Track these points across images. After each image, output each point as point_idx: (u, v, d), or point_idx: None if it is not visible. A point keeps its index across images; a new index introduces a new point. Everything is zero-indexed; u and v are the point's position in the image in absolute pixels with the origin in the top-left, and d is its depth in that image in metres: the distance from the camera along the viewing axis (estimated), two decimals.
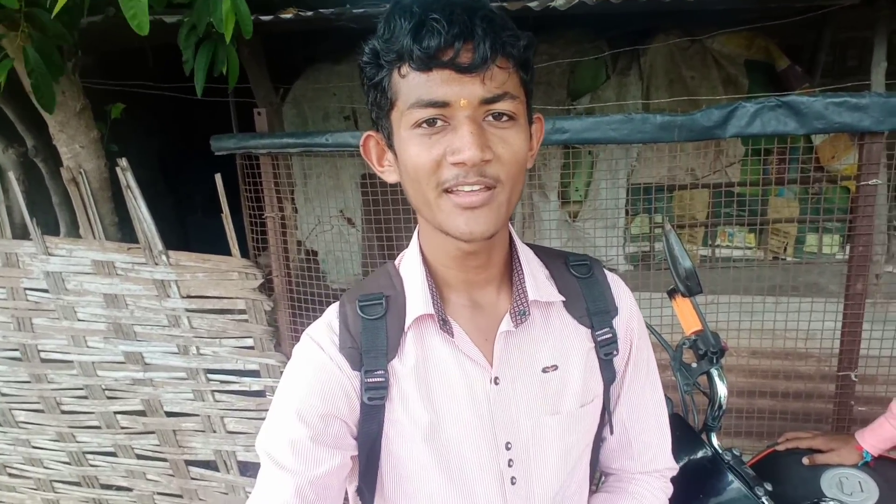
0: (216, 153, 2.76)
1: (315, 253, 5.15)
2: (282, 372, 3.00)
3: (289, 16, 2.75)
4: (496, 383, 0.88)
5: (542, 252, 0.99)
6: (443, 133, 0.76)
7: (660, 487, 1.06)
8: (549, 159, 4.76)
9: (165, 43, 3.33)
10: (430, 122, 0.76)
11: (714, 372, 1.59)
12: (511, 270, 0.94)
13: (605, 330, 0.95)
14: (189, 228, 6.20)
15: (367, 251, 5.51)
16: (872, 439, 1.52)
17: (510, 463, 0.89)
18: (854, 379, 2.08)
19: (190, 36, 2.39)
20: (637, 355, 1.01)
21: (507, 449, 0.89)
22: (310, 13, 2.74)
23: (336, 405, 0.87)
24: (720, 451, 1.55)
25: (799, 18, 3.63)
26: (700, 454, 1.57)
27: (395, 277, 0.93)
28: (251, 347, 3.00)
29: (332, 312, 0.93)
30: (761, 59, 4.54)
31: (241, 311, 2.95)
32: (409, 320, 0.88)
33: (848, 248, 1.98)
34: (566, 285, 0.95)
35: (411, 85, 0.75)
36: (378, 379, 0.85)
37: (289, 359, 2.92)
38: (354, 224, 5.62)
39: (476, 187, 0.76)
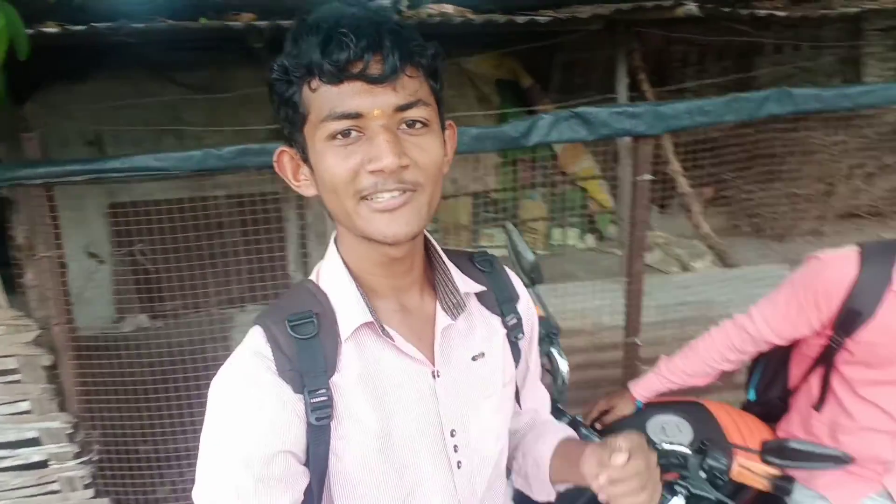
0: None
1: None
2: (69, 434, 2.62)
3: (54, 30, 2.41)
4: (437, 377, 0.92)
5: (447, 252, 1.04)
6: (358, 143, 0.78)
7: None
8: None
9: None
10: (345, 133, 0.77)
11: (554, 351, 1.79)
12: (427, 272, 0.97)
13: (513, 316, 1.03)
14: None
15: (120, 287, 5.02)
16: (643, 390, 1.84)
17: (455, 448, 0.93)
18: (639, 343, 2.45)
19: None
20: (533, 335, 1.12)
21: (452, 436, 0.93)
22: (81, 27, 2.43)
23: (281, 437, 0.82)
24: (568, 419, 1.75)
25: (539, 45, 4.15)
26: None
27: (318, 294, 0.90)
28: (28, 412, 2.57)
29: (256, 339, 0.87)
30: (509, 78, 5.08)
31: (12, 371, 2.52)
32: (347, 331, 0.86)
33: (624, 238, 2.33)
34: (476, 279, 1.02)
35: (323, 98, 0.77)
36: (322, 398, 0.83)
37: (78, 418, 2.54)
38: (103, 260, 5.08)
39: (395, 193, 0.79)
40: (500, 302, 1.02)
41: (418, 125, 0.80)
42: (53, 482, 2.69)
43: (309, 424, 0.83)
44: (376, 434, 0.87)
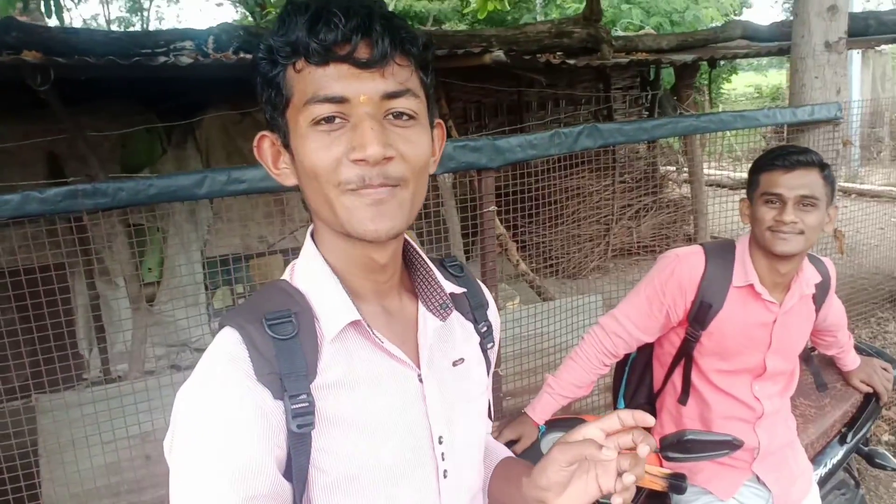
0: None
1: None
2: None
3: None
4: (421, 381, 0.87)
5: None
6: (342, 131, 0.74)
7: None
8: (113, 240, 4.28)
9: None
10: (329, 119, 0.74)
11: None
12: (404, 273, 0.93)
13: (484, 323, 1.00)
14: None
15: None
16: (541, 413, 1.85)
17: (443, 456, 0.89)
18: (501, 374, 2.48)
19: None
20: (497, 345, 1.09)
21: (440, 443, 0.88)
22: None
23: (264, 450, 0.74)
24: None
25: None
26: None
27: (294, 294, 0.84)
28: None
29: (228, 340, 0.78)
30: None
31: None
32: (333, 331, 0.80)
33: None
34: (451, 282, 0.97)
35: (307, 80, 0.74)
36: (303, 404, 0.77)
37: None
38: None
39: (380, 188, 0.75)
40: (473, 307, 0.99)
41: (405, 117, 0.76)
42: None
43: (290, 432, 0.77)
44: (361, 442, 0.81)
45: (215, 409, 0.74)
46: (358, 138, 0.72)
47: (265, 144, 0.83)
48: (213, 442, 0.72)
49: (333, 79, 0.72)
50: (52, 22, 4.80)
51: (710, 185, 8.05)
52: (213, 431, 0.72)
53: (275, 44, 0.74)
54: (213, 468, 0.71)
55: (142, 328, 3.38)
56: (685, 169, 6.98)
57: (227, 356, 0.77)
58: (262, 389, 0.75)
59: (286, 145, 0.80)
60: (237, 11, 14.33)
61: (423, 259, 0.93)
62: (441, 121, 0.89)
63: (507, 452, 1.09)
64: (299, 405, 0.76)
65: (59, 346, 2.33)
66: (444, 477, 0.89)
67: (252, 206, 4.87)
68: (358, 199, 0.75)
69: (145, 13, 15.66)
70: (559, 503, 0.80)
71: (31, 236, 2.48)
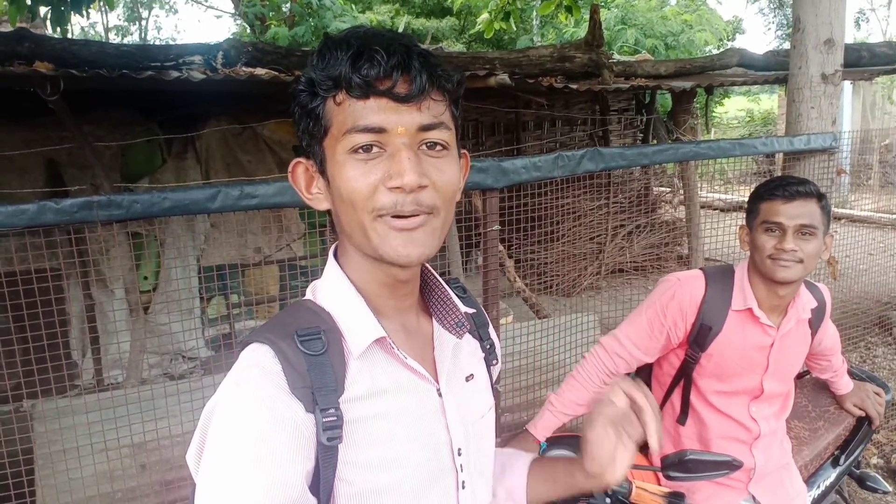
0: None
1: None
2: None
3: None
4: (440, 395, 0.91)
5: None
6: (379, 160, 0.78)
7: None
8: (111, 248, 4.29)
9: None
10: (367, 148, 0.78)
11: None
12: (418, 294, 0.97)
13: (488, 341, 1.05)
14: None
15: None
16: (542, 430, 1.88)
17: (461, 468, 0.92)
18: (499, 390, 2.50)
19: None
20: (500, 362, 1.13)
21: (459, 455, 0.92)
22: None
23: (299, 463, 0.77)
24: None
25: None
26: None
27: (321, 313, 0.87)
28: None
29: (260, 355, 0.80)
30: None
31: None
32: (359, 348, 0.84)
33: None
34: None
35: (347, 112, 0.77)
36: (333, 418, 0.79)
37: None
38: None
39: (412, 210, 0.79)
40: (478, 326, 1.03)
41: (438, 147, 0.81)
42: None
43: (319, 444, 0.80)
44: (386, 454, 0.84)
45: (250, 420, 0.76)
46: (395, 167, 0.77)
47: (299, 170, 0.87)
48: (250, 452, 0.74)
49: (373, 111, 0.76)
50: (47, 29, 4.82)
51: (702, 207, 8.17)
52: (249, 442, 0.74)
53: (316, 77, 0.78)
54: (249, 478, 0.73)
55: (140, 337, 3.38)
56: (680, 191, 7.05)
57: (260, 369, 0.79)
58: (296, 402, 0.78)
59: (322, 172, 0.84)
60: (236, 24, 14.37)
61: (438, 280, 0.97)
62: (465, 151, 0.93)
63: (528, 456, 1.13)
64: (329, 419, 0.79)
65: (53, 351, 2.33)
66: (463, 488, 0.93)
67: (250, 218, 4.90)
68: (391, 224, 0.79)
69: (143, 22, 15.69)
70: (614, 474, 0.90)
71: (29, 243, 2.49)
